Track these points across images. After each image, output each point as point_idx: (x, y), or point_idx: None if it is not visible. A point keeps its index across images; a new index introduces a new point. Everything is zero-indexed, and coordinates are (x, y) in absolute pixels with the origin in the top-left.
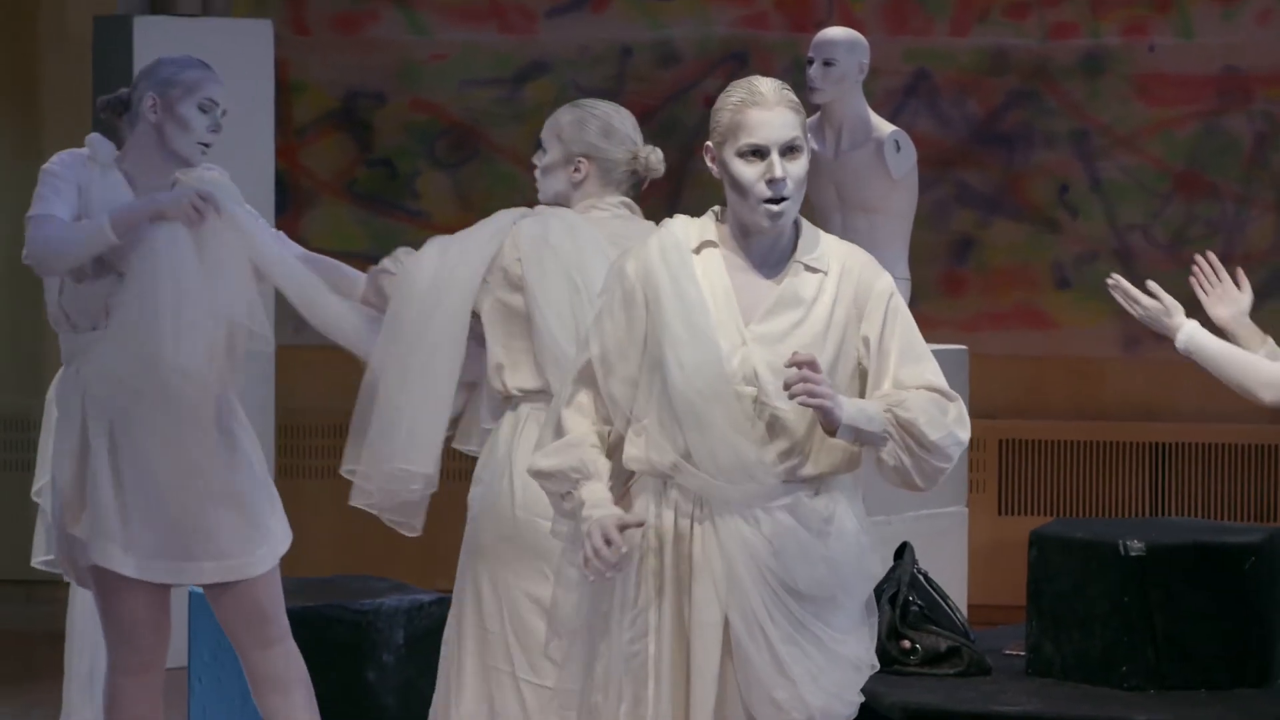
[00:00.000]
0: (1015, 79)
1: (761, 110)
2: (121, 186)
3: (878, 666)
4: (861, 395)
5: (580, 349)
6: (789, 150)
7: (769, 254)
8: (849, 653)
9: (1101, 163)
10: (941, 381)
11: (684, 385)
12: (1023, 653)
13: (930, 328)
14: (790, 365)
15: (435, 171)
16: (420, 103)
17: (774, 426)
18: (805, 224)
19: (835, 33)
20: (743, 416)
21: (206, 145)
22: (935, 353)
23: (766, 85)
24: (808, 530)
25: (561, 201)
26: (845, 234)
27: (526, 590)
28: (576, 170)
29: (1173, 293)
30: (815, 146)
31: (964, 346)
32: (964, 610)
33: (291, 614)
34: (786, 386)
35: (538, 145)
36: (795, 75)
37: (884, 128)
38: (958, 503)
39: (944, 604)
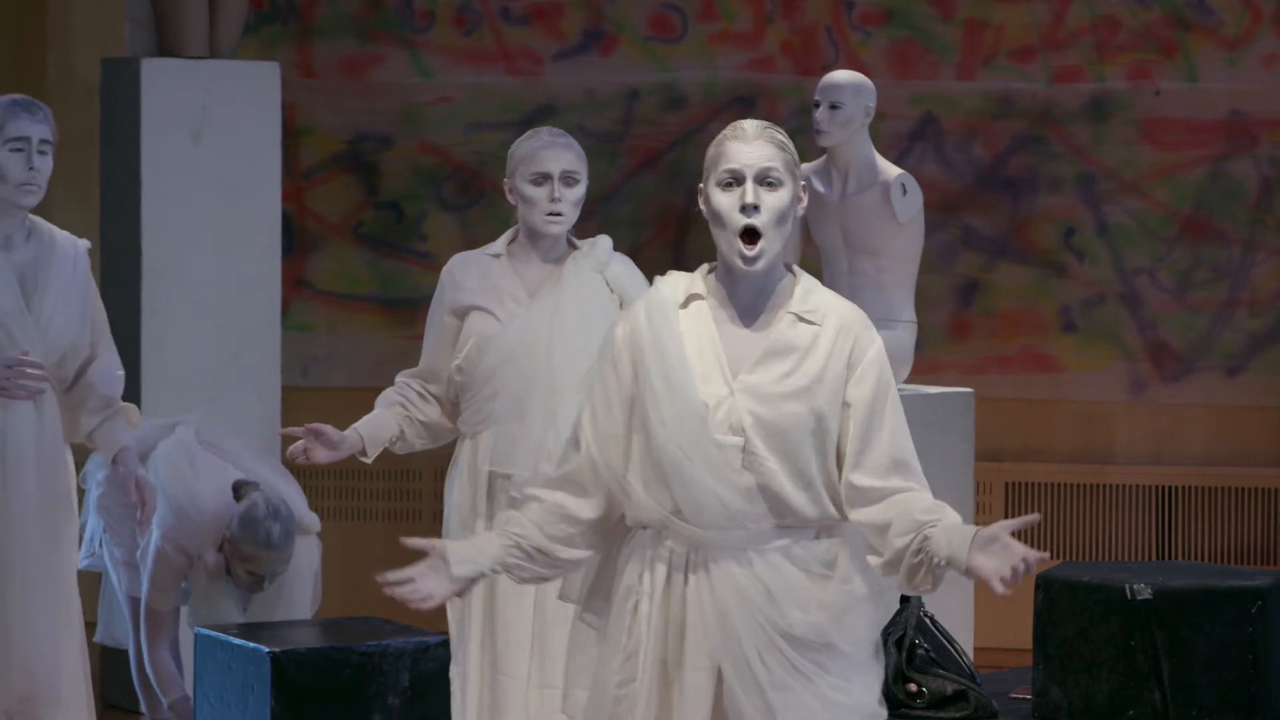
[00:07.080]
0: (1021, 123)
1: (740, 143)
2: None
3: (884, 715)
4: (832, 454)
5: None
6: (765, 180)
7: (757, 303)
8: (850, 701)
9: (1107, 206)
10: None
11: (665, 440)
12: (1030, 696)
13: (936, 371)
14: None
15: (442, 214)
16: (427, 145)
17: (761, 478)
18: (804, 276)
19: (841, 76)
20: (726, 467)
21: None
22: (941, 396)
23: (750, 123)
24: (804, 573)
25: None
26: (851, 277)
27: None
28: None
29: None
30: (820, 189)
31: (970, 389)
32: (970, 654)
33: (297, 656)
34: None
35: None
36: (802, 119)
37: (890, 171)
38: None
39: (950, 647)
